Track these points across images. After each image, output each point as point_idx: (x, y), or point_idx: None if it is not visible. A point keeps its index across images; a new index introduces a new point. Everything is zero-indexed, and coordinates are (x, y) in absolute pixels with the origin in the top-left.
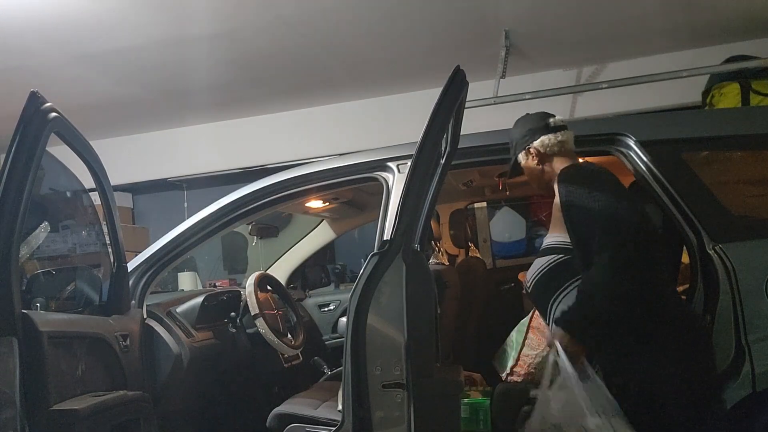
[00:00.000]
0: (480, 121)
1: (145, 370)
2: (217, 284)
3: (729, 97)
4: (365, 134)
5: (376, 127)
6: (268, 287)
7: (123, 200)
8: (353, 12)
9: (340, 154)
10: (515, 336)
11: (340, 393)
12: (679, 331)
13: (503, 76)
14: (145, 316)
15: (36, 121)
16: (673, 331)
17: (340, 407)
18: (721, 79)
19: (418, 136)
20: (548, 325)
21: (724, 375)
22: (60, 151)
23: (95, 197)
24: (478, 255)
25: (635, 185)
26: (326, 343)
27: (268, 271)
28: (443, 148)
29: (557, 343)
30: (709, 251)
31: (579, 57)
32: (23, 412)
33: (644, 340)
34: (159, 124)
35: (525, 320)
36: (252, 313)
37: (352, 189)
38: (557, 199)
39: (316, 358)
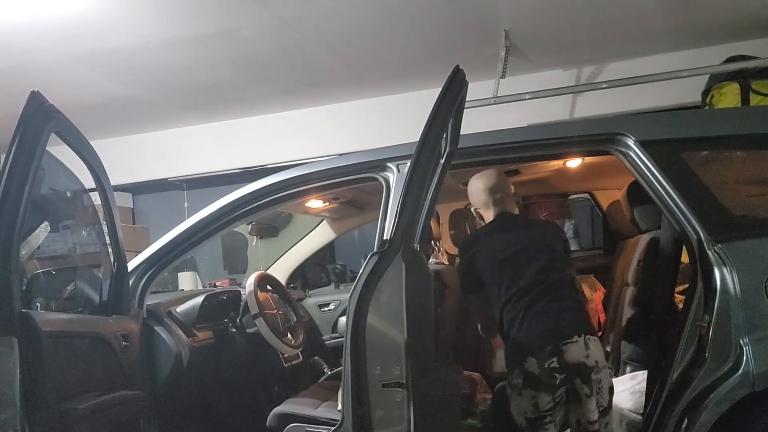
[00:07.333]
0: (480, 121)
1: (145, 370)
2: (217, 284)
3: (729, 97)
4: (365, 134)
5: (376, 127)
6: (268, 287)
7: (123, 200)
8: (353, 12)
9: (340, 154)
10: None
11: (340, 393)
12: None
13: (503, 76)
14: (145, 316)
15: (36, 121)
16: None
17: (340, 407)
18: (721, 79)
19: (418, 136)
20: None
21: (724, 375)
22: (60, 151)
23: (95, 197)
24: None
25: (635, 185)
26: (326, 342)
27: (268, 271)
28: (443, 148)
29: None
30: (709, 251)
31: (579, 57)
32: (23, 412)
33: None
34: (159, 124)
35: None
36: (252, 313)
37: (352, 189)
38: None
39: (316, 357)
